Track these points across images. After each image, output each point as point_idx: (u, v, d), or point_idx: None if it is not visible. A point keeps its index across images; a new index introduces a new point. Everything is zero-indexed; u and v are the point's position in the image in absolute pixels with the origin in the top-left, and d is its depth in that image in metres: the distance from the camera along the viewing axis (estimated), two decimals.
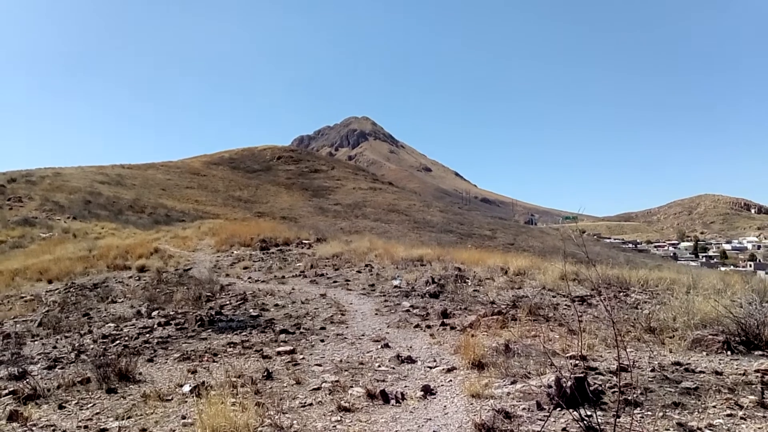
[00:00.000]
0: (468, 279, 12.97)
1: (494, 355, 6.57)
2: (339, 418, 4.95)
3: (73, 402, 5.70)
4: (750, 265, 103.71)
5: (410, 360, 6.79)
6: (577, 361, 6.11)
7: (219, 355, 7.39)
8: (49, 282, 16.23)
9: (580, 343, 6.14)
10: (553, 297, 10.98)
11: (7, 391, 6.06)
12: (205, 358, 7.22)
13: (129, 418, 5.16)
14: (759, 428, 4.30)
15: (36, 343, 9.19)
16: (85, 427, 5.00)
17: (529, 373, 5.84)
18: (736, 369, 5.84)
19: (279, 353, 7.31)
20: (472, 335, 7.47)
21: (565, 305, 10.18)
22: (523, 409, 4.90)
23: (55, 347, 8.71)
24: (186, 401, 5.48)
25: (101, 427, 4.95)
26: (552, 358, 5.93)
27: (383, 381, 6.05)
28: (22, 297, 14.09)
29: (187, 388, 5.78)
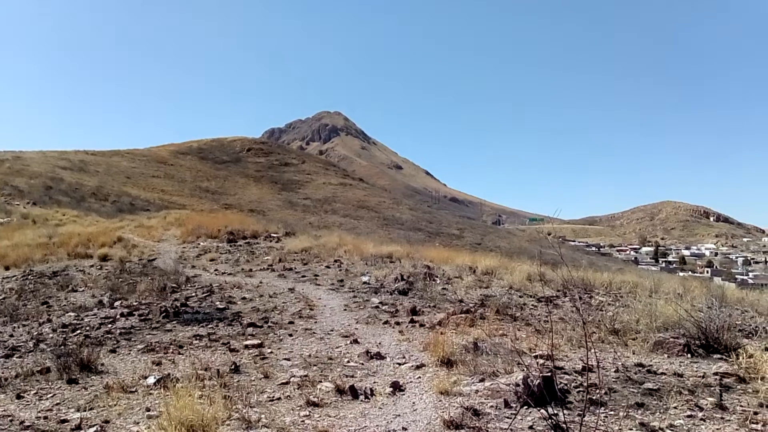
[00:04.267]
0: (437, 277, 13.04)
1: (463, 353, 6.62)
2: (308, 413, 4.92)
3: (32, 392, 5.53)
4: (707, 272, 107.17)
5: (379, 356, 6.79)
6: (544, 360, 6.20)
7: (184, 348, 7.25)
8: (6, 269, 15.70)
9: (551, 342, 6.23)
10: (520, 297, 11.13)
11: None
12: (170, 350, 7.08)
13: (91, 409, 5.03)
14: (717, 429, 4.44)
15: None
16: (45, 417, 4.85)
17: (498, 371, 5.90)
18: (696, 371, 6.01)
19: (246, 347, 7.23)
20: (441, 333, 7.51)
21: (532, 305, 10.34)
22: (491, 406, 4.95)
23: (12, 335, 8.44)
24: (151, 393, 5.37)
25: (62, 418, 4.81)
26: (520, 357, 6.00)
27: (352, 376, 6.04)
28: None
29: (151, 380, 5.66)
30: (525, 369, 5.25)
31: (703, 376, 5.79)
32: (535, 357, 6.46)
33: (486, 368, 5.99)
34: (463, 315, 8.73)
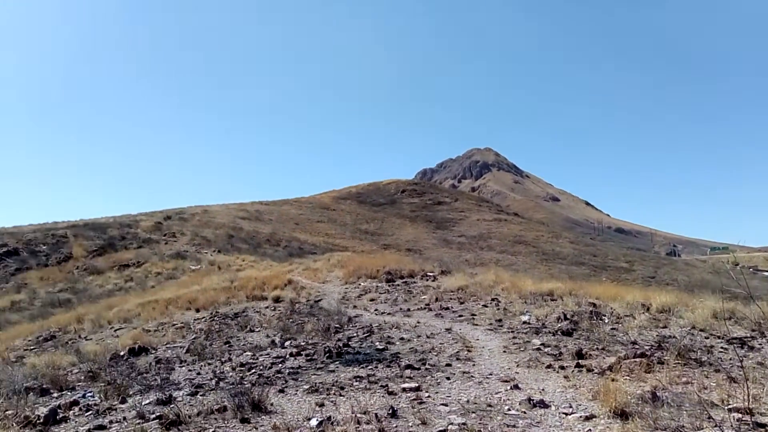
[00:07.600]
0: (604, 316, 12.04)
1: (639, 404, 5.93)
2: None
3: (210, 430, 5.98)
4: None
5: (543, 404, 6.35)
6: (740, 415, 5.33)
7: (345, 389, 7.42)
8: (197, 311, 17.56)
9: (747, 393, 5.33)
10: (706, 338, 9.82)
11: (154, 415, 6.51)
12: (332, 392, 7.29)
13: None
14: None
15: (183, 368, 9.89)
16: None
17: (683, 426, 5.18)
18: None
19: (404, 389, 7.19)
20: (613, 379, 6.85)
21: (722, 348, 9.05)
22: None
23: (199, 374, 9.31)
24: None
25: None
26: (710, 410, 5.22)
27: (514, 426, 5.69)
28: (174, 324, 15.41)
29: (314, 422, 5.84)
30: (717, 425, 4.54)
31: None
32: (729, 410, 5.58)
33: (668, 422, 5.29)
34: (637, 359, 7.88)
